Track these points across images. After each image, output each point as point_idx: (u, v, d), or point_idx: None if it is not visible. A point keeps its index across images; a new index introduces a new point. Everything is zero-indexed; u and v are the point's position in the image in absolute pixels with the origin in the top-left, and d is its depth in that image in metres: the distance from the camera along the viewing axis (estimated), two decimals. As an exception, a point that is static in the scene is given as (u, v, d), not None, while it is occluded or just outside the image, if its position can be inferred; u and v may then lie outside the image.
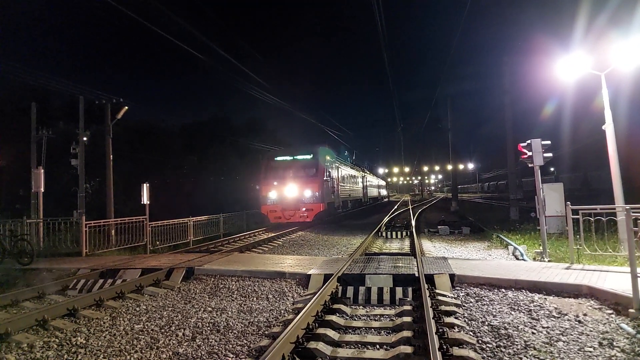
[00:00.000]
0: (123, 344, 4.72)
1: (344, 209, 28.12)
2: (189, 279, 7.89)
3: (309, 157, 21.14)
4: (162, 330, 5.15)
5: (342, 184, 28.16)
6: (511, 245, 10.75)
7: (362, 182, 47.24)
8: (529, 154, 9.08)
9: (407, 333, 4.54)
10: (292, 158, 21.55)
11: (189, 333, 5.03)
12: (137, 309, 6.09)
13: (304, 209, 19.74)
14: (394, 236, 15.26)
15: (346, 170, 31.43)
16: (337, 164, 25.15)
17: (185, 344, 4.69)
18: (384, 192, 69.16)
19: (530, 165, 9.21)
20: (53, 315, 5.52)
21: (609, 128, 9.00)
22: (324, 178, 20.76)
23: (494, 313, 5.39)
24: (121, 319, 5.63)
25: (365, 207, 40.76)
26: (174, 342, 4.75)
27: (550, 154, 9.16)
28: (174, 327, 5.24)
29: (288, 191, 20.04)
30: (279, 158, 21.82)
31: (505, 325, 4.89)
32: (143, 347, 4.60)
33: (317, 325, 4.87)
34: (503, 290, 6.37)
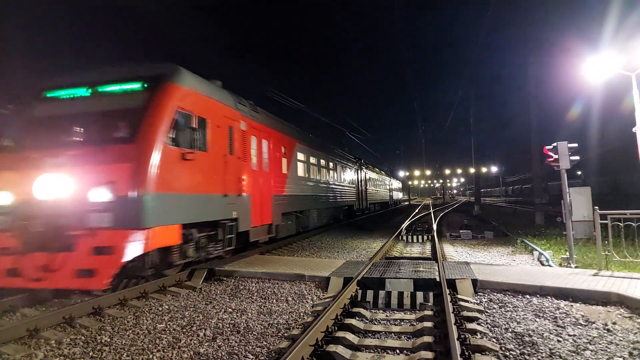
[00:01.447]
0: (146, 342, 4.80)
1: (363, 213, 26.74)
2: (210, 280, 7.98)
3: (135, 88, 7.28)
4: (184, 330, 5.22)
5: (367, 186, 28.33)
6: (536, 250, 10.50)
7: (389, 186, 44.71)
8: (555, 157, 8.86)
9: (428, 338, 4.48)
10: (89, 93, 7.52)
11: (209, 333, 5.09)
12: (160, 308, 6.19)
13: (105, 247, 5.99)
14: (414, 240, 15.10)
15: (370, 174, 30.28)
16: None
17: (206, 344, 4.74)
18: (401, 195, 66.72)
19: (556, 168, 8.99)
20: (79, 313, 5.67)
21: (639, 130, 8.70)
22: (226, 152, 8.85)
23: (518, 320, 5.26)
24: (144, 318, 5.74)
25: (386, 210, 39.42)
26: (195, 342, 4.82)
27: (577, 157, 8.93)
28: (195, 327, 5.31)
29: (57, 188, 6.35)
30: (53, 93, 7.78)
31: (530, 332, 4.77)
32: (165, 347, 4.67)
33: (336, 328, 4.86)
34: (527, 296, 6.22)
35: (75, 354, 4.51)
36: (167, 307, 6.27)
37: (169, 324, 5.46)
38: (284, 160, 12.93)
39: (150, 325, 5.41)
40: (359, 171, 26.48)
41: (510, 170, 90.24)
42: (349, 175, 23.38)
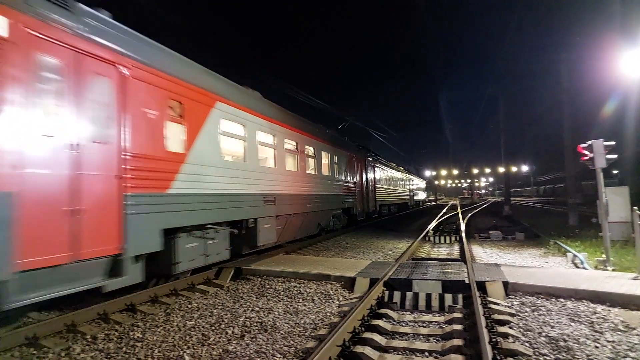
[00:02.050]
0: (176, 339, 4.90)
1: (370, 218, 21.84)
2: (237, 279, 8.08)
3: None
4: (213, 328, 5.30)
5: (378, 185, 23.93)
6: (570, 252, 10.15)
7: (408, 185, 38.76)
8: (590, 155, 8.54)
9: (457, 341, 4.40)
10: None
11: (237, 331, 5.15)
12: (189, 306, 6.31)
13: None
14: (442, 241, 14.86)
15: (386, 171, 26.83)
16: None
17: (234, 341, 4.80)
18: (424, 195, 60.83)
19: (591, 167, 8.66)
20: (113, 309, 5.84)
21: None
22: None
23: (552, 324, 5.10)
24: (174, 315, 5.86)
25: (410, 211, 36.96)
26: (223, 339, 4.88)
27: (614, 156, 8.58)
28: (223, 325, 5.38)
29: None
30: None
31: (565, 337, 4.62)
32: (195, 343, 4.76)
33: (363, 329, 4.84)
34: (562, 300, 6.02)
35: (110, 349, 4.65)
36: (196, 304, 6.38)
37: (198, 321, 5.55)
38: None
39: (180, 322, 5.52)
40: (365, 165, 20.76)
41: (542, 169, 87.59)
42: (346, 168, 17.35)
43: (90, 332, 5.13)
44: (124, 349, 4.66)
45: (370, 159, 22.35)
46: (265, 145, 10.27)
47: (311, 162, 13.44)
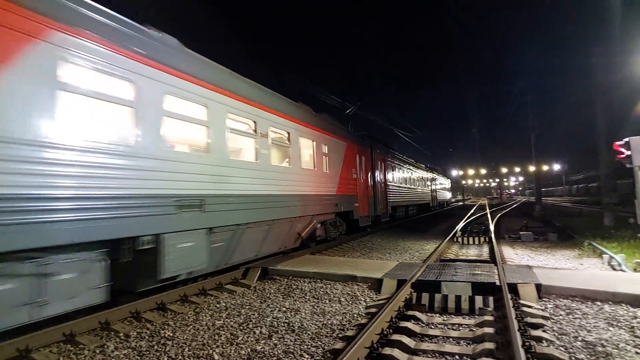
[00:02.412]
0: (206, 338, 4.98)
1: (378, 224, 18.49)
2: (264, 279, 8.15)
3: None
4: (241, 327, 5.36)
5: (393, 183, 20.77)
6: (606, 254, 9.77)
7: (430, 186, 35.46)
8: (627, 153, 8.22)
9: (489, 345, 4.30)
10: None
11: (265, 331, 5.18)
12: (218, 305, 6.40)
13: None
14: (470, 242, 14.55)
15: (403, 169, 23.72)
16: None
17: (262, 341, 4.84)
18: (449, 195, 56.87)
19: (628, 166, 8.32)
20: (144, 308, 5.99)
21: None
22: None
23: (589, 328, 4.91)
24: (203, 314, 5.95)
25: (432, 213, 34.07)
26: (252, 339, 4.93)
27: (653, 153, 8.21)
28: (251, 325, 5.43)
29: None
30: None
31: (603, 342, 4.44)
32: (224, 342, 4.82)
33: (391, 331, 4.78)
34: (598, 303, 5.79)
35: (142, 347, 4.76)
36: (224, 304, 6.47)
37: (227, 321, 5.62)
38: None
39: (210, 322, 5.60)
40: (373, 159, 17.49)
41: (574, 167, 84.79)
42: (343, 162, 13.87)
43: (123, 330, 5.27)
44: (156, 347, 4.76)
45: (379, 151, 18.74)
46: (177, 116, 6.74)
47: (282, 151, 10.25)
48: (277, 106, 9.74)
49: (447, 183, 53.91)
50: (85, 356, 4.54)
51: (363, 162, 16.32)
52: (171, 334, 5.15)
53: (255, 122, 8.71)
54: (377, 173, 18.28)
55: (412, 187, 27.47)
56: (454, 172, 78.39)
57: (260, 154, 8.83)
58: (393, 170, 21.61)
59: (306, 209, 10.85)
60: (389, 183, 20.34)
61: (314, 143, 11.79)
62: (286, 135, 10.20)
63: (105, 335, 5.18)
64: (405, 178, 25.01)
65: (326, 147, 12.59)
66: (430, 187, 35.55)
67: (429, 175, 35.37)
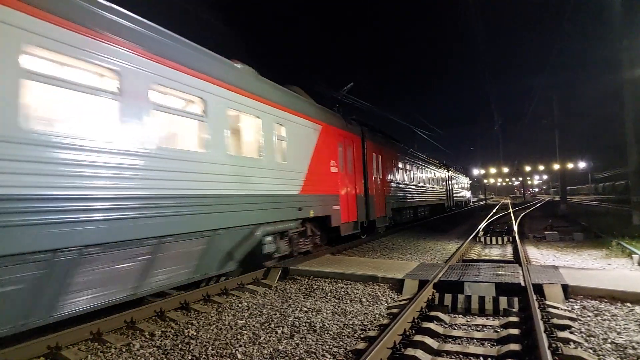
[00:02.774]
0: (228, 337, 5.04)
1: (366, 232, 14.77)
2: (285, 279, 8.19)
3: None
4: (263, 327, 5.40)
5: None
6: (636, 253, 9.45)
7: (446, 184, 31.92)
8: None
9: (514, 346, 4.22)
10: None
11: (287, 331, 5.21)
12: (240, 305, 6.46)
13: None
14: (493, 242, 14.30)
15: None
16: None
17: (284, 341, 4.86)
18: (468, 194, 52.59)
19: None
20: (168, 307, 6.09)
21: None
22: None
23: (618, 330, 4.77)
24: (226, 314, 6.02)
25: (450, 214, 31.11)
26: (274, 339, 4.96)
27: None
28: (273, 325, 5.47)
29: None
30: None
31: (634, 344, 4.31)
32: (246, 342, 4.86)
33: (413, 332, 4.75)
34: (628, 304, 5.62)
35: (167, 346, 4.84)
36: (246, 304, 6.53)
37: (249, 321, 5.67)
38: None
39: (232, 321, 5.66)
40: (364, 150, 14.11)
41: (601, 165, 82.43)
42: (315, 150, 10.66)
43: (148, 329, 5.38)
44: (180, 345, 4.84)
45: (374, 141, 15.18)
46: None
47: (199, 127, 6.98)
48: (202, 69, 6.96)
49: (465, 181, 49.95)
50: (112, 354, 4.64)
51: (350, 153, 12.87)
52: (195, 333, 5.22)
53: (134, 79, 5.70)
54: (372, 168, 14.77)
55: (422, 185, 23.86)
56: (475, 171, 77.25)
57: (149, 136, 5.84)
58: (395, 166, 18.21)
59: (248, 216, 7.79)
60: (389, 181, 17.03)
61: (260, 121, 8.38)
62: (194, 102, 6.98)
63: (130, 333, 5.30)
64: (412, 175, 21.37)
65: (285, 130, 9.20)
66: (445, 186, 32.01)
67: (444, 172, 31.91)
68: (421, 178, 23.78)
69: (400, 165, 19.04)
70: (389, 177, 16.96)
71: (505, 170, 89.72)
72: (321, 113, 11.44)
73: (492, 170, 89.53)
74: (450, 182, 34.46)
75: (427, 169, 25.75)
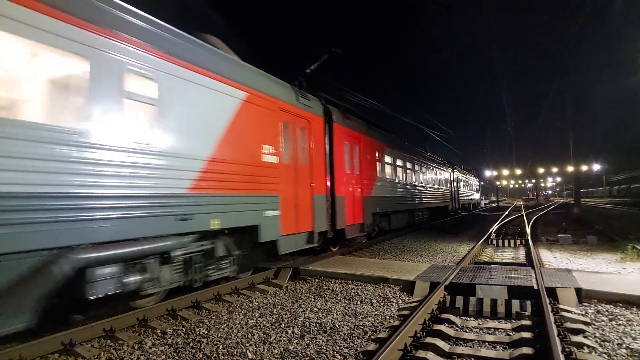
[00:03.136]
0: (239, 337, 5.06)
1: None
2: (295, 279, 8.20)
3: None
4: (273, 327, 5.41)
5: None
6: (652, 258, 9.29)
7: (450, 185, 28.54)
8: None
9: (527, 350, 4.17)
10: None
11: (297, 331, 5.22)
12: (250, 304, 6.49)
13: None
14: (505, 244, 14.16)
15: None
16: None
17: (295, 341, 4.87)
18: (477, 196, 48.01)
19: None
20: (180, 306, 6.14)
21: None
22: None
23: (634, 335, 4.70)
24: (237, 313, 6.05)
25: (453, 217, 28.28)
26: (284, 338, 4.97)
27: None
28: (283, 325, 5.48)
29: None
30: None
31: (650, 350, 4.23)
32: (257, 341, 4.88)
33: (424, 334, 4.72)
34: (644, 309, 5.53)
35: (178, 344, 4.88)
36: (256, 303, 6.55)
37: (259, 320, 5.70)
38: None
39: (243, 321, 5.69)
40: (331, 137, 10.76)
41: (616, 168, 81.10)
42: (229, 126, 7.05)
43: (160, 327, 5.43)
44: (191, 344, 4.88)
45: (344, 127, 11.54)
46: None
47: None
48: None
49: (474, 182, 45.29)
50: (124, 351, 4.69)
51: (303, 137, 9.56)
52: (206, 332, 5.26)
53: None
54: (342, 161, 11.25)
55: (420, 185, 20.00)
56: (488, 173, 76.54)
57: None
58: (381, 160, 14.56)
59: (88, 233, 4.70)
60: (372, 178, 13.44)
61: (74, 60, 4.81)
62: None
63: (143, 331, 5.35)
64: (407, 173, 17.87)
65: (151, 86, 5.69)
66: (450, 187, 28.61)
67: (448, 172, 28.35)
68: (419, 177, 20.08)
69: (388, 159, 15.35)
70: (371, 174, 13.24)
71: (518, 172, 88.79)
72: (246, 74, 7.82)
73: (505, 172, 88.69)
74: (455, 183, 30.79)
75: (427, 167, 22.10)
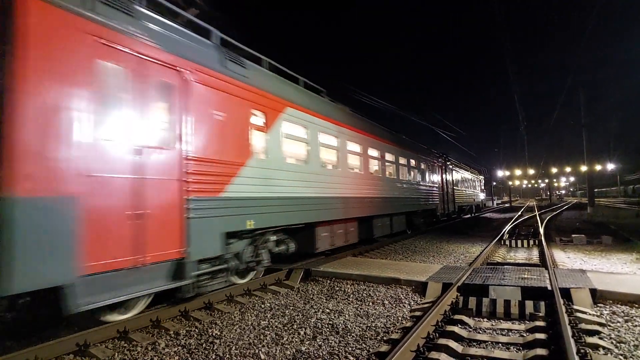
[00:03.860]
0: (252, 338, 5.09)
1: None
2: (307, 280, 8.22)
3: None
4: (285, 328, 5.43)
5: None
6: (669, 258, 9.13)
7: (441, 181, 22.00)
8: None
9: (541, 351, 4.13)
10: None
11: (309, 332, 5.23)
12: (262, 306, 6.52)
13: None
14: (518, 245, 14.01)
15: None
16: None
17: (307, 342, 4.88)
18: (482, 196, 40.99)
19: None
20: (193, 307, 6.20)
21: None
22: None
23: (651, 337, 4.62)
24: (249, 314, 6.09)
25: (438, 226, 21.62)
26: (296, 340, 4.99)
27: None
28: (295, 326, 5.50)
29: None
30: None
31: (668, 352, 4.16)
32: (269, 342, 4.91)
33: (437, 335, 4.70)
34: (661, 310, 5.44)
35: (191, 345, 4.93)
36: (268, 304, 6.58)
37: (271, 321, 5.72)
38: None
39: (255, 322, 5.72)
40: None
41: (630, 167, 79.77)
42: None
43: (173, 328, 5.48)
44: (204, 345, 4.91)
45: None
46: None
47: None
48: None
49: (477, 179, 37.30)
50: (138, 352, 4.75)
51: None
52: (218, 333, 5.30)
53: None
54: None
55: (379, 179, 13.45)
56: (500, 173, 75.79)
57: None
58: (269, 126, 7.96)
59: None
60: (246, 157, 7.30)
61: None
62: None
63: (156, 332, 5.41)
64: (345, 157, 11.11)
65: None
66: (440, 184, 22.24)
67: (435, 163, 21.39)
68: (381, 168, 13.88)
69: (294, 129, 8.86)
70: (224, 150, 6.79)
71: (531, 172, 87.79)
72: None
73: (517, 172, 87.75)
74: (447, 179, 23.96)
75: (395, 153, 15.25)
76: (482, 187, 38.90)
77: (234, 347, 4.79)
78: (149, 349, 4.85)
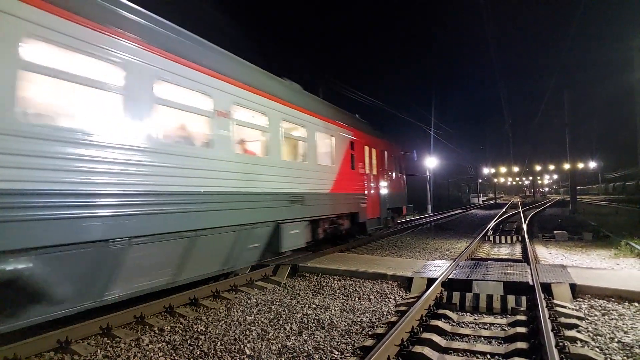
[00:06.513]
0: (237, 333, 5.10)
1: None
2: (294, 276, 8.24)
3: None
4: (271, 323, 5.45)
5: None
6: (646, 254, 9.38)
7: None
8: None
9: (521, 344, 4.23)
10: None
11: (295, 327, 5.26)
12: (249, 301, 6.53)
13: None
14: (502, 241, 14.24)
15: None
16: None
17: (292, 337, 4.91)
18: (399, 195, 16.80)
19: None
20: (178, 303, 6.17)
21: None
22: None
23: (625, 329, 4.77)
24: (235, 310, 6.09)
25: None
26: (282, 335, 5.01)
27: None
28: (281, 321, 5.52)
29: None
30: None
31: (642, 344, 4.29)
32: (255, 338, 4.92)
33: (421, 329, 4.78)
34: (636, 304, 5.62)
35: (176, 341, 4.91)
36: (255, 300, 6.59)
37: (257, 317, 5.73)
38: None
39: (241, 317, 5.72)
40: None
41: (611, 165, 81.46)
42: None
43: (157, 324, 5.45)
44: (189, 341, 4.90)
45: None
46: None
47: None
48: None
49: (392, 166, 15.64)
50: (121, 349, 4.71)
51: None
52: (204, 329, 5.29)
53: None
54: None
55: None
56: (485, 170, 76.72)
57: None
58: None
59: None
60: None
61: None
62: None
63: (140, 329, 5.37)
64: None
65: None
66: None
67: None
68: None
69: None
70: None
71: (516, 169, 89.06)
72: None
73: (502, 170, 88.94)
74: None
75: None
76: (404, 183, 17.66)
77: (219, 343, 4.79)
78: (133, 345, 4.82)
